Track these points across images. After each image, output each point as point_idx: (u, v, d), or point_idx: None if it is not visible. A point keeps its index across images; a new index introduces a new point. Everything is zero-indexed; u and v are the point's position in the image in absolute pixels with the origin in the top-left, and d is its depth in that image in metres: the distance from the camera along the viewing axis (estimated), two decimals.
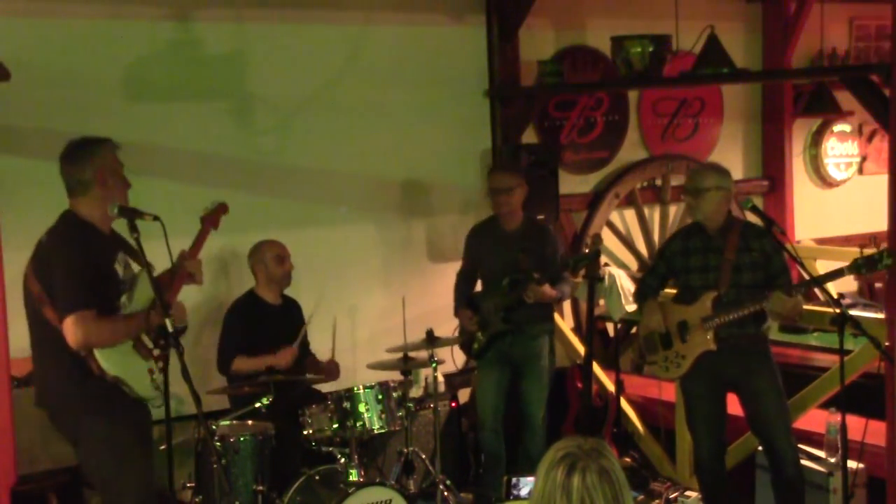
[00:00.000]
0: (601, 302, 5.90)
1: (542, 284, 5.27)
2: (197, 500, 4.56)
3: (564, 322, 6.62)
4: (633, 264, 7.26)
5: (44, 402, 4.05)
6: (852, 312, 4.51)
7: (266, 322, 5.30)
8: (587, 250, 5.42)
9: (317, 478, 4.69)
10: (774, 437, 4.77)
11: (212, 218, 4.44)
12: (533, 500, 2.33)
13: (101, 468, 4.00)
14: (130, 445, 3.99)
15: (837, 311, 4.22)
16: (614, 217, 7.16)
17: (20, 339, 4.29)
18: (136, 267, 4.01)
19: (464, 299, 5.69)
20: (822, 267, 7.63)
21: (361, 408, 4.80)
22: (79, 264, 3.85)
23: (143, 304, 3.98)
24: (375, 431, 4.91)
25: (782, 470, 4.75)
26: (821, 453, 5.08)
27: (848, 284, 7.78)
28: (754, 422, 4.86)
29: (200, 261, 4.26)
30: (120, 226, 3.99)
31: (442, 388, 5.99)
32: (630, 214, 7.27)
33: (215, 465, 4.35)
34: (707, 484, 5.06)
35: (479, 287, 5.80)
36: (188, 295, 5.31)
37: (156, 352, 3.97)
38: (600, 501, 2.24)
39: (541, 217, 5.94)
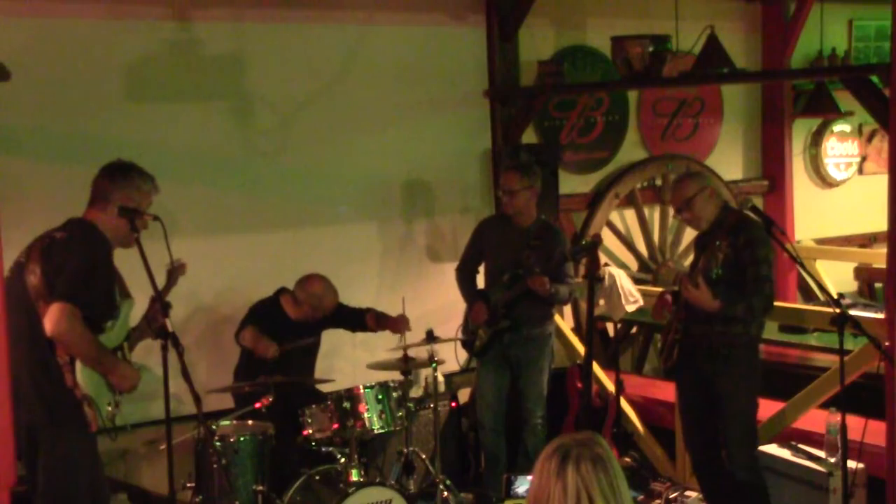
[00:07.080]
0: (601, 302, 5.89)
1: (543, 276, 5.28)
2: (197, 500, 4.56)
3: (564, 322, 6.62)
4: (633, 264, 7.26)
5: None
6: (852, 312, 4.50)
7: (283, 332, 5.22)
8: (584, 241, 5.38)
9: (317, 478, 4.70)
10: (728, 442, 4.85)
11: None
12: (530, 496, 2.32)
13: (52, 485, 3.88)
14: (87, 467, 3.91)
15: (837, 311, 4.22)
16: (614, 217, 7.15)
17: None
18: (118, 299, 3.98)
19: (475, 293, 5.67)
20: (822, 267, 7.66)
21: (361, 408, 4.80)
22: (93, 271, 3.82)
23: (120, 336, 3.96)
24: (375, 431, 4.91)
25: (734, 472, 4.84)
26: (821, 453, 5.07)
27: (848, 284, 7.78)
28: (719, 422, 4.91)
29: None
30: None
31: (442, 388, 5.98)
32: (630, 214, 7.27)
33: (215, 465, 4.35)
34: (702, 480, 5.13)
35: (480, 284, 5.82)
36: (192, 297, 5.35)
37: (117, 396, 3.92)
38: (596, 490, 2.23)
39: (542, 217, 5.94)
